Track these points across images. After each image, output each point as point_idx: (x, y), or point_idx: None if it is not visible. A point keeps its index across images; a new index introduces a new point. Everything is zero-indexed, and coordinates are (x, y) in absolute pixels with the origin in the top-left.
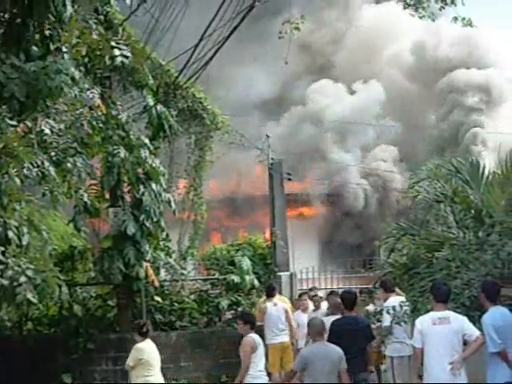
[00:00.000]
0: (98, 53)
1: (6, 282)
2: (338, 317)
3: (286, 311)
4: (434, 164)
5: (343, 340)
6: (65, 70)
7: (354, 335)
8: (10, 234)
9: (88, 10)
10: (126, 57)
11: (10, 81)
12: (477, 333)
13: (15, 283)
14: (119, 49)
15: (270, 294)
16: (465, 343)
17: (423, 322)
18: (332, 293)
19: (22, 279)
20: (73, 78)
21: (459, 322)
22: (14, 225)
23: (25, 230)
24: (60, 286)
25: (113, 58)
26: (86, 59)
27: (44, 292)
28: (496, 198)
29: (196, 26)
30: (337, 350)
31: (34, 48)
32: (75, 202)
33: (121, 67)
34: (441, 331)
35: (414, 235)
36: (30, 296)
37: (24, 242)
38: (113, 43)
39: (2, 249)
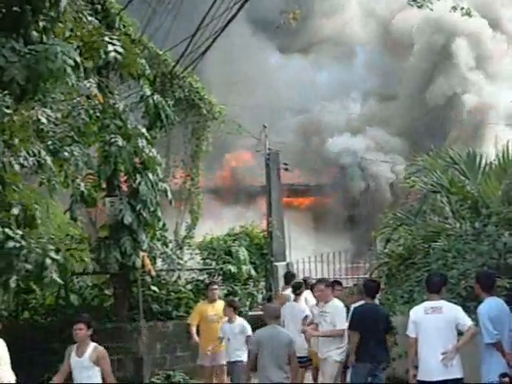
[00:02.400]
0: (91, 46)
1: (30, 267)
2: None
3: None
4: (431, 155)
5: (365, 327)
6: (66, 51)
7: (375, 324)
8: (38, 213)
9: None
10: (119, 53)
11: (10, 64)
12: (470, 323)
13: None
14: (113, 44)
15: (288, 282)
16: (460, 333)
17: (416, 311)
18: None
19: (48, 261)
20: (75, 61)
21: (452, 311)
22: (29, 204)
23: (38, 209)
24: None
25: (106, 53)
26: (78, 52)
27: (66, 271)
28: (492, 188)
29: (193, 16)
30: (286, 334)
31: (34, 33)
32: (72, 191)
33: (114, 63)
34: (434, 320)
35: (410, 225)
36: (55, 277)
37: (39, 221)
38: (106, 38)
39: (21, 232)
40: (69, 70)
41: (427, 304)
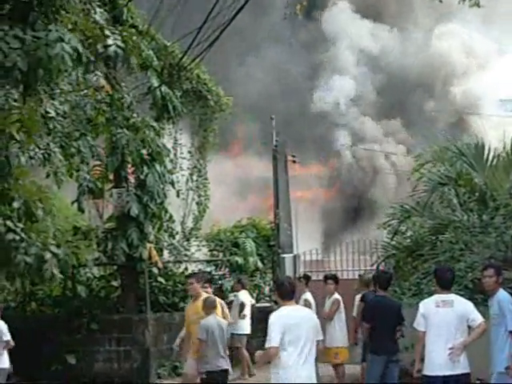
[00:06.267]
0: (91, 40)
1: (29, 260)
2: None
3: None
4: (439, 147)
5: (377, 320)
6: (67, 39)
7: (387, 316)
8: (39, 209)
9: None
10: (120, 47)
11: (12, 51)
12: (480, 319)
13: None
14: (113, 38)
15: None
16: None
17: (426, 304)
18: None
19: (48, 255)
20: (76, 49)
21: (463, 305)
22: (31, 200)
23: (39, 205)
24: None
25: (106, 46)
26: (81, 45)
27: (67, 266)
28: (500, 181)
29: (201, 8)
30: (225, 323)
31: (40, 23)
32: (79, 182)
33: (114, 56)
34: (444, 314)
35: (418, 217)
36: (55, 271)
37: (40, 217)
38: (107, 32)
39: (22, 226)
40: (67, 57)
41: (438, 297)
